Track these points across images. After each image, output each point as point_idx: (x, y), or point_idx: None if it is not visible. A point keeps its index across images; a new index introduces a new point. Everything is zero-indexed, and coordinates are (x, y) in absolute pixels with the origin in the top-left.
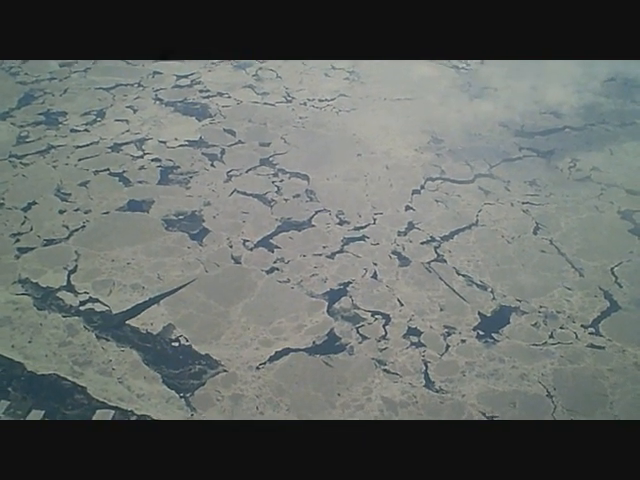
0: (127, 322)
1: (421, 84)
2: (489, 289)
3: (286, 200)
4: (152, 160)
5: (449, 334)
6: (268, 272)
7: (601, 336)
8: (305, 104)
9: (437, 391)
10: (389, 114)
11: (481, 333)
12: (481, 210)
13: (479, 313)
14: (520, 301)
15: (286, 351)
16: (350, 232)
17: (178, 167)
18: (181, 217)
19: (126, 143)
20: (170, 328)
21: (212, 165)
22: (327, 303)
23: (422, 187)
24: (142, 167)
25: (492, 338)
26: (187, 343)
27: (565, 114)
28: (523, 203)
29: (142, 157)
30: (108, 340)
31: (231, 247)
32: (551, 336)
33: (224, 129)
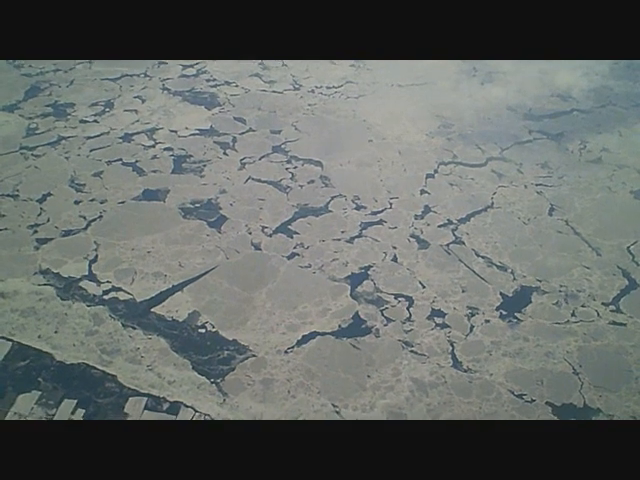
0: (152, 310)
1: (427, 70)
2: (509, 270)
3: (301, 186)
4: (164, 149)
5: (473, 315)
6: (289, 258)
7: (622, 313)
8: (313, 91)
9: (465, 371)
10: (398, 100)
11: (504, 313)
12: (495, 192)
13: (501, 293)
14: (540, 281)
15: (313, 335)
16: (367, 217)
17: (191, 156)
18: (197, 205)
19: (137, 133)
20: (196, 315)
21: (225, 153)
22: (350, 287)
23: (435, 171)
24: (155, 156)
25: (515, 318)
26: (213, 329)
27: (574, 97)
28: (536, 185)
29: (154, 147)
30: (134, 328)
31: (250, 234)
32: (573, 314)
33: (234, 117)
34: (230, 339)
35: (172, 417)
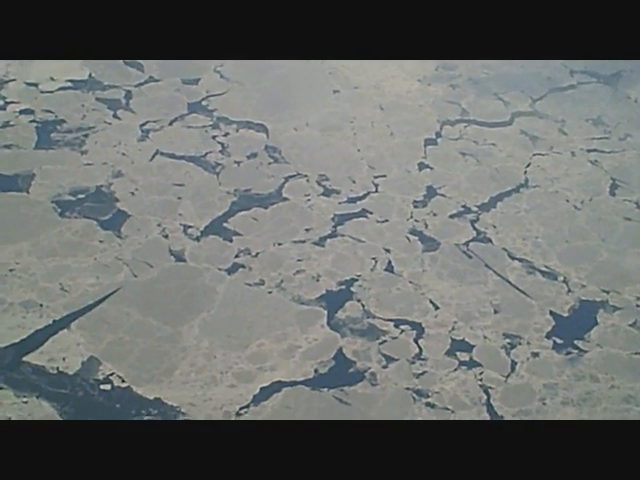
0: (25, 359)
1: None
2: (561, 277)
3: (238, 163)
4: (21, 112)
5: (513, 346)
6: (230, 272)
7: None
8: None
9: None
10: None
11: (559, 341)
12: (530, 164)
13: (552, 313)
14: (608, 292)
15: (277, 386)
16: (343, 206)
17: (63, 121)
18: (81, 196)
19: None
20: (94, 364)
21: (115, 116)
22: (326, 312)
23: (438, 134)
24: (7, 124)
25: (576, 348)
26: (124, 384)
27: None
28: (589, 151)
29: (4, 109)
30: (1, 388)
31: (166, 237)
32: None
33: (125, 61)
34: (151, 398)
35: None
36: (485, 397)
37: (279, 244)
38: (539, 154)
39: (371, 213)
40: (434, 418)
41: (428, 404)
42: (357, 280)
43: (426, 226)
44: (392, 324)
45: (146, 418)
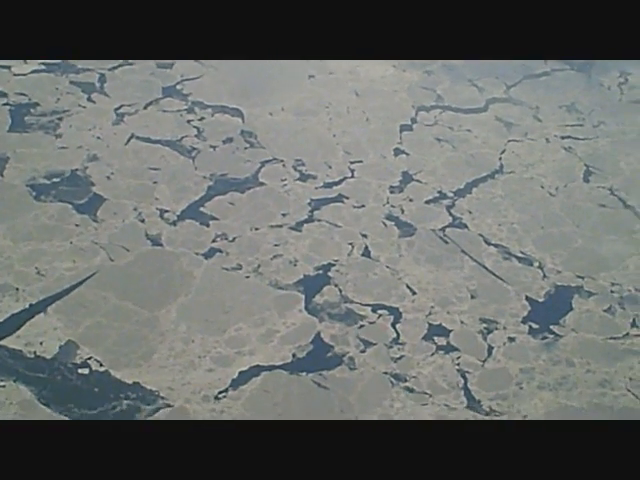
0: (1, 343)
1: None
2: (536, 263)
3: (214, 147)
4: None
5: (490, 331)
6: (207, 256)
7: None
8: None
9: (487, 413)
10: None
11: (535, 326)
12: (505, 150)
13: (527, 298)
14: (583, 278)
15: (255, 370)
16: (319, 191)
17: (37, 104)
18: (56, 180)
19: None
20: (71, 348)
21: (90, 99)
22: (304, 296)
23: (414, 120)
24: None
25: (552, 333)
26: (102, 368)
27: None
28: (563, 138)
29: None
30: None
31: (143, 221)
32: (634, 324)
33: None
34: (129, 382)
35: None
36: (462, 381)
37: (256, 229)
38: (514, 140)
39: (347, 198)
40: (412, 402)
41: (406, 388)
42: (334, 265)
43: (402, 211)
44: (369, 309)
45: (125, 402)
